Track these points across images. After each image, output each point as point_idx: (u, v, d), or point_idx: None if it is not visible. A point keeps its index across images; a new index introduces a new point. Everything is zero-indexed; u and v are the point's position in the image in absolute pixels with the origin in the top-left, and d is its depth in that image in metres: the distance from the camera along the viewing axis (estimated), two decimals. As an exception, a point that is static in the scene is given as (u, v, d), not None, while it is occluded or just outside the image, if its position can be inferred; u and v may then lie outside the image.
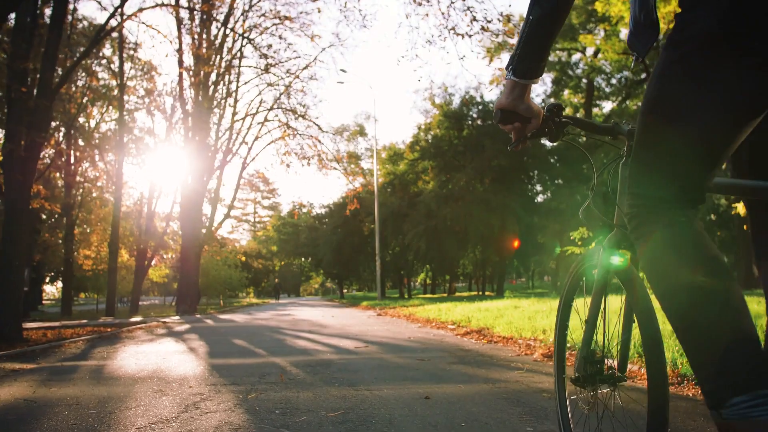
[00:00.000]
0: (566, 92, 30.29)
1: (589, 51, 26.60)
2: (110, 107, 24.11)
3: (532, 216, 27.46)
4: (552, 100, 30.23)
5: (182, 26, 17.15)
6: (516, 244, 27.32)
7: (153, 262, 32.02)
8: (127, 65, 21.62)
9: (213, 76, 18.18)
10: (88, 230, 23.05)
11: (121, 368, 4.66)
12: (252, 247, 50.60)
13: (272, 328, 9.49)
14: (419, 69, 30.03)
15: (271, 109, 20.88)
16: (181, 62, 17.20)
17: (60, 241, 22.90)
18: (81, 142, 23.86)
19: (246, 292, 48.22)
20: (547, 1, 1.12)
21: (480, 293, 37.14)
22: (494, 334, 7.02)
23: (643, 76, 26.39)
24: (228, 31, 17.88)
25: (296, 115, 18.97)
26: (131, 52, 20.49)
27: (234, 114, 20.80)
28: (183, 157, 18.12)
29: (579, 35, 24.58)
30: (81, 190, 24.03)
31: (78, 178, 24.58)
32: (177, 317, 14.85)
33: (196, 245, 21.47)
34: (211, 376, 4.09)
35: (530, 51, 1.17)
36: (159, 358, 5.37)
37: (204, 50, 15.96)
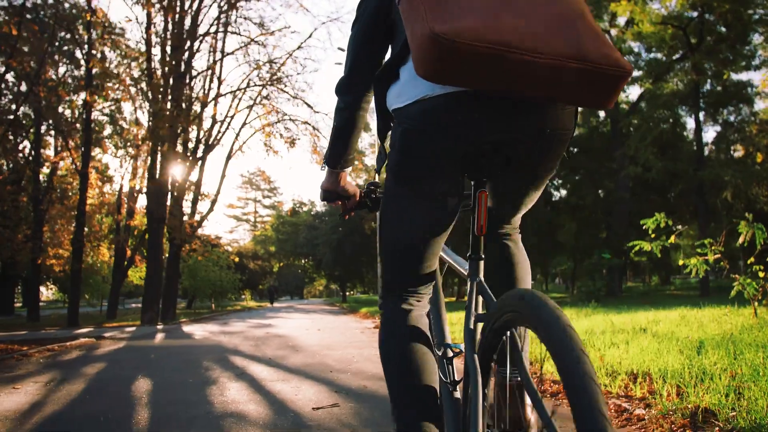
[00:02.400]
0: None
1: (621, 21, 23.77)
2: (95, 96, 21.67)
3: (550, 212, 24.70)
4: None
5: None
6: None
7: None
8: (113, 54, 19.34)
9: (189, 42, 15.61)
10: (57, 227, 20.40)
11: None
12: (248, 247, 48.08)
13: (223, 352, 6.92)
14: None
15: (263, 87, 18.35)
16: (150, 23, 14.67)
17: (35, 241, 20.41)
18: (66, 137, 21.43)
19: (242, 295, 45.67)
20: (344, 113, 1.43)
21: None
22: (545, 375, 4.43)
23: (677, 55, 23.66)
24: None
25: (274, 81, 16.37)
26: (113, 36, 18.12)
27: (218, 93, 18.26)
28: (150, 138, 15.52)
29: (608, 5, 21.80)
30: (57, 187, 21.56)
31: (59, 172, 22.24)
32: (134, 328, 12.34)
33: (173, 243, 18.98)
34: None
35: (337, 149, 1.48)
36: None
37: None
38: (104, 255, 25.90)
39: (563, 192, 28.93)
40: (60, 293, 47.01)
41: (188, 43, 15.12)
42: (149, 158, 15.95)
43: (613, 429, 0.84)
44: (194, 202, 20.38)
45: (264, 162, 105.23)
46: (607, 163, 25.43)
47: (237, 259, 33.20)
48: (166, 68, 14.16)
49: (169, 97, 14.84)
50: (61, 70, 22.60)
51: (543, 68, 1.02)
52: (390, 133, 1.30)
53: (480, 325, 1.20)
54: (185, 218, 19.93)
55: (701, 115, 24.40)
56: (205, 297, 29.63)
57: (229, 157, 20.28)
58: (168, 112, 13.46)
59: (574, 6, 1.12)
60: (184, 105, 16.68)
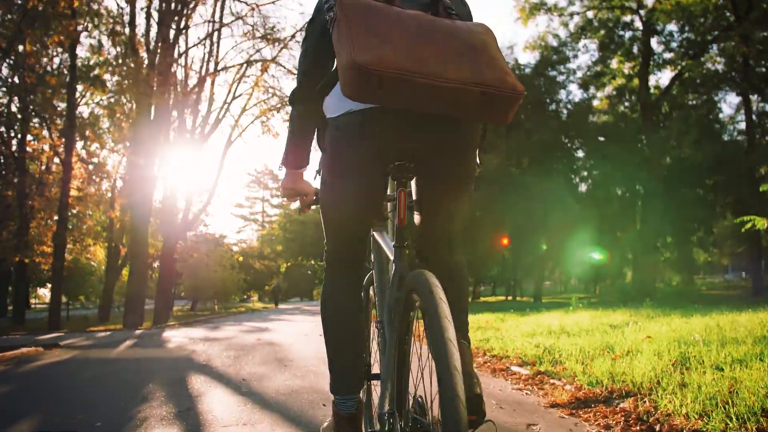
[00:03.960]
0: (615, 61, 25.48)
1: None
2: (92, 88, 20.10)
3: (576, 205, 22.70)
4: (598, 68, 25.59)
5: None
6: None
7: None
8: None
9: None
10: (36, 222, 18.73)
11: None
12: (254, 246, 46.41)
13: (185, 369, 5.19)
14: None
15: (264, 70, 16.70)
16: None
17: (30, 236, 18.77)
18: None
19: (247, 296, 43.94)
20: (297, 120, 1.62)
21: (509, 298, 32.52)
22: (667, 419, 2.68)
23: (715, 34, 21.69)
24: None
25: (273, 44, 14.68)
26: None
27: (216, 70, 16.60)
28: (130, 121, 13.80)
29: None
30: (41, 178, 19.94)
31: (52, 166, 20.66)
32: (108, 333, 10.69)
33: (167, 239, 17.38)
34: None
35: (294, 152, 1.66)
36: None
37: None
38: (97, 254, 24.36)
39: (586, 185, 26.98)
40: (68, 295, 45.43)
41: (179, 7, 13.41)
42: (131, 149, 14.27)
43: (462, 383, 1.00)
44: (189, 198, 18.71)
45: (271, 160, 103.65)
46: (638, 152, 23.47)
47: (241, 259, 31.50)
48: (152, 33, 12.49)
49: (156, 73, 13.17)
50: (56, 61, 21.20)
51: (447, 91, 1.21)
52: (326, 136, 1.51)
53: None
54: (181, 213, 18.34)
55: (737, 98, 22.37)
56: (207, 298, 28.01)
57: (228, 145, 18.65)
58: (134, 67, 11.70)
59: (480, 38, 1.32)
60: (178, 86, 15.08)
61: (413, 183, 1.56)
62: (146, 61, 12.88)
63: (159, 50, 12.95)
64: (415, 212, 1.59)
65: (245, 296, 43.30)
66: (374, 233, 1.76)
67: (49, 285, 33.73)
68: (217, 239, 32.58)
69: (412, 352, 1.36)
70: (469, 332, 6.40)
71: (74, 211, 21.85)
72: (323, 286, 1.66)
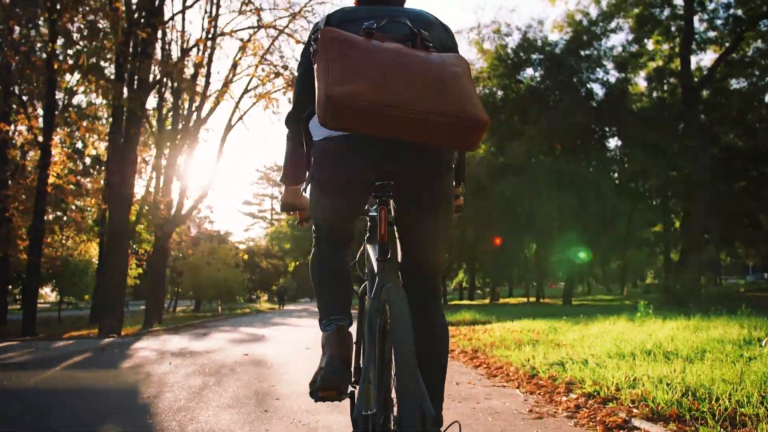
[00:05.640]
0: (650, 42, 23.35)
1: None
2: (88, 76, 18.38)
3: (612, 197, 20.57)
4: (634, 49, 23.47)
5: None
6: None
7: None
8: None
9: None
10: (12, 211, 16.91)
11: None
12: (260, 244, 44.64)
13: (101, 420, 3.32)
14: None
15: (272, 42, 14.89)
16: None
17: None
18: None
19: (256, 296, 42.12)
20: (292, 140, 1.73)
21: (531, 299, 30.43)
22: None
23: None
24: None
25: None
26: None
27: (215, 34, 14.83)
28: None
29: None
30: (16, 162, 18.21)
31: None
32: (71, 342, 8.88)
33: (158, 235, 15.63)
34: None
35: (291, 169, 1.79)
36: None
37: None
38: (90, 250, 22.65)
39: (618, 175, 24.76)
40: (60, 294, 43.76)
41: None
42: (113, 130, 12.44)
43: (421, 384, 1.11)
44: (182, 188, 16.86)
45: (280, 155, 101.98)
46: (678, 140, 21.36)
47: (246, 257, 29.69)
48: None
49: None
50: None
51: (413, 120, 1.28)
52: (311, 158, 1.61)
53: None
54: (174, 205, 16.56)
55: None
56: (210, 298, 26.23)
57: (228, 129, 16.83)
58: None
59: (451, 70, 1.37)
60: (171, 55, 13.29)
61: (392, 205, 1.57)
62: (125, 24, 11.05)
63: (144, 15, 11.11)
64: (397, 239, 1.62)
65: (252, 296, 41.49)
66: (368, 246, 1.78)
67: (50, 283, 32.06)
68: (221, 236, 30.79)
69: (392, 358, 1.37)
70: (525, 347, 5.57)
71: (73, 207, 20.25)
72: (312, 254, 1.75)
